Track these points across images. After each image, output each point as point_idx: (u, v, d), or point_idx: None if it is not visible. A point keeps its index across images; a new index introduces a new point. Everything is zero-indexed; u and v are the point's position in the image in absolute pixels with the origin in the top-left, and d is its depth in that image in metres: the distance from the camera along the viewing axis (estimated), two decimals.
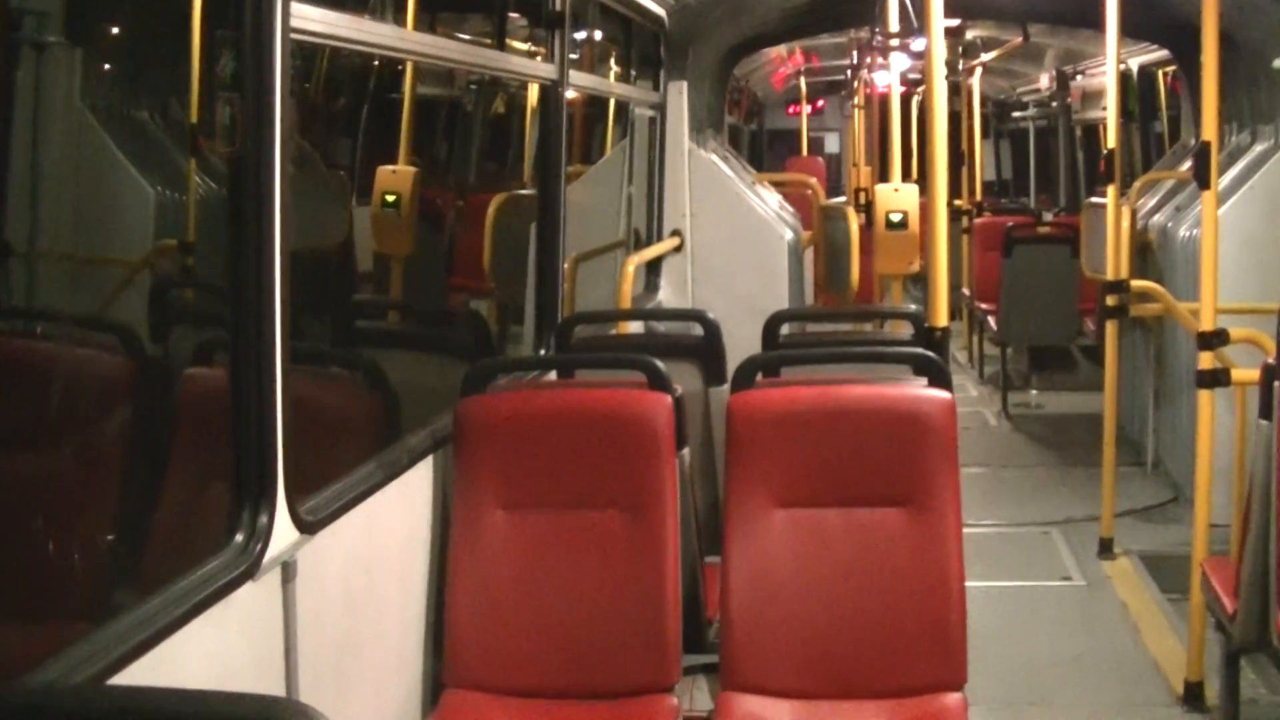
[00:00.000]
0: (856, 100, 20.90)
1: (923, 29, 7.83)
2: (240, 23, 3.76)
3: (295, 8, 3.89)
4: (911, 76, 17.11)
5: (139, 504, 4.75)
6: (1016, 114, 23.63)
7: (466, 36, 10.01)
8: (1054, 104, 19.73)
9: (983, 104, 20.65)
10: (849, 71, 20.96)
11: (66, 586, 4.44)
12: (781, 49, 18.39)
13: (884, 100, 14.72)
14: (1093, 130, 17.77)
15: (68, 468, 4.67)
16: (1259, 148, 9.96)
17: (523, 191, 11.24)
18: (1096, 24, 9.23)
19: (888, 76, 12.66)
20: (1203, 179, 6.76)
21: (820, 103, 28.91)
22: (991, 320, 14.20)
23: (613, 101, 12.72)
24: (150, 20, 7.11)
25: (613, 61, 10.72)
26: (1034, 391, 14.42)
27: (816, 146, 29.90)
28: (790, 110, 28.09)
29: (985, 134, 22.17)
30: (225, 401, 3.94)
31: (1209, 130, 6.69)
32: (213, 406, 4.54)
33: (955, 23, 13.87)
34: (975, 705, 5.06)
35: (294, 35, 3.91)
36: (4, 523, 4.43)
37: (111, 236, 6.33)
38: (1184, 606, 7.32)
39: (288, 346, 3.89)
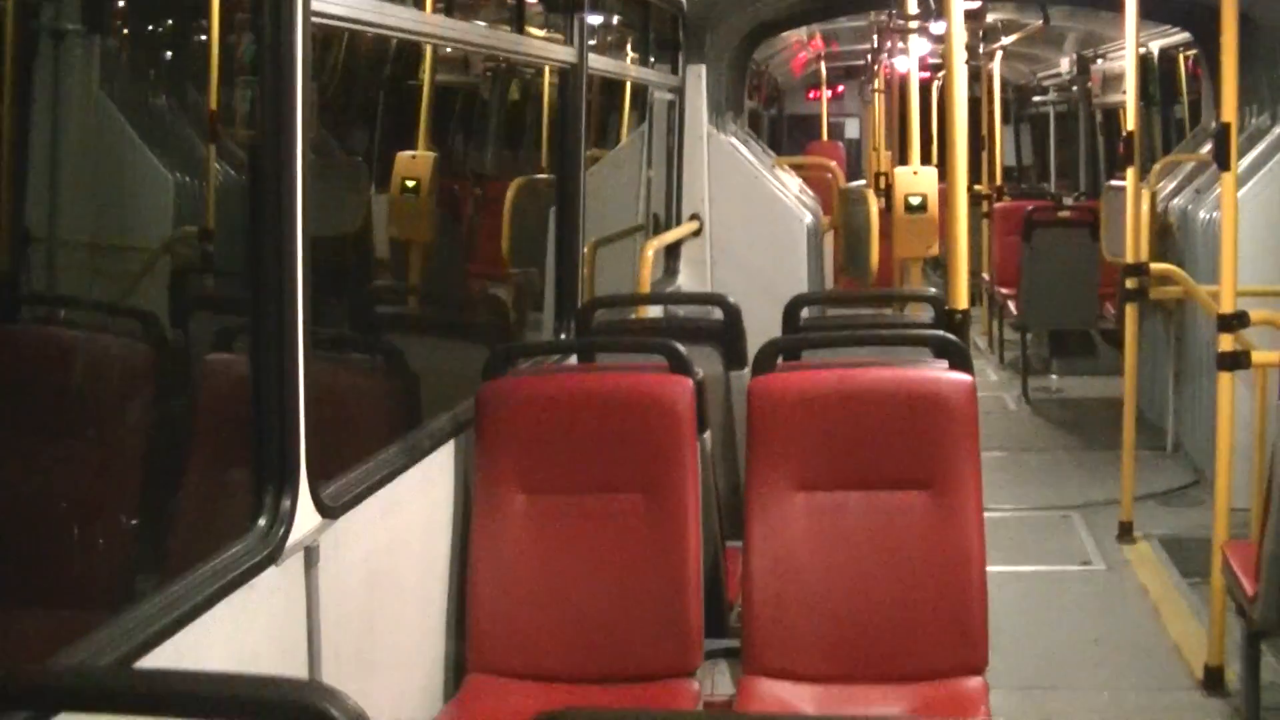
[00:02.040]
0: (877, 85, 20.84)
1: (942, 12, 7.81)
2: (260, 6, 3.76)
3: None
4: (932, 61, 17.07)
5: (161, 489, 4.76)
6: (1037, 99, 23.56)
7: (482, 23, 10.01)
8: (1074, 88, 19.67)
9: (1003, 89, 20.57)
10: (869, 56, 20.90)
11: (89, 571, 4.46)
12: (801, 33, 18.34)
13: (904, 84, 14.66)
14: (1113, 115, 17.70)
15: (90, 453, 4.69)
16: (1279, 130, 9.93)
17: (539, 176, 11.24)
18: (1116, 6, 9.19)
19: (908, 61, 12.63)
20: (1223, 161, 6.73)
21: (840, 88, 28.87)
22: (1011, 305, 14.19)
23: (628, 85, 12.71)
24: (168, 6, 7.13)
25: (629, 44, 10.70)
26: (1054, 376, 14.40)
27: (836, 132, 29.83)
28: (810, 95, 28.02)
29: (1005, 119, 22.09)
30: (246, 387, 3.95)
31: (1229, 112, 6.66)
32: (234, 392, 4.55)
33: (975, 5, 13.83)
34: (994, 689, 5.05)
35: (315, 19, 3.91)
36: (26, 508, 4.45)
37: (131, 223, 6.35)
38: (1204, 590, 7.32)
39: (309, 331, 3.89)
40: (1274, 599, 5.76)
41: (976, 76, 18.70)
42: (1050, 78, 21.47)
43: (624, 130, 13.77)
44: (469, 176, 13.68)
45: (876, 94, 20.86)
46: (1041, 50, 19.53)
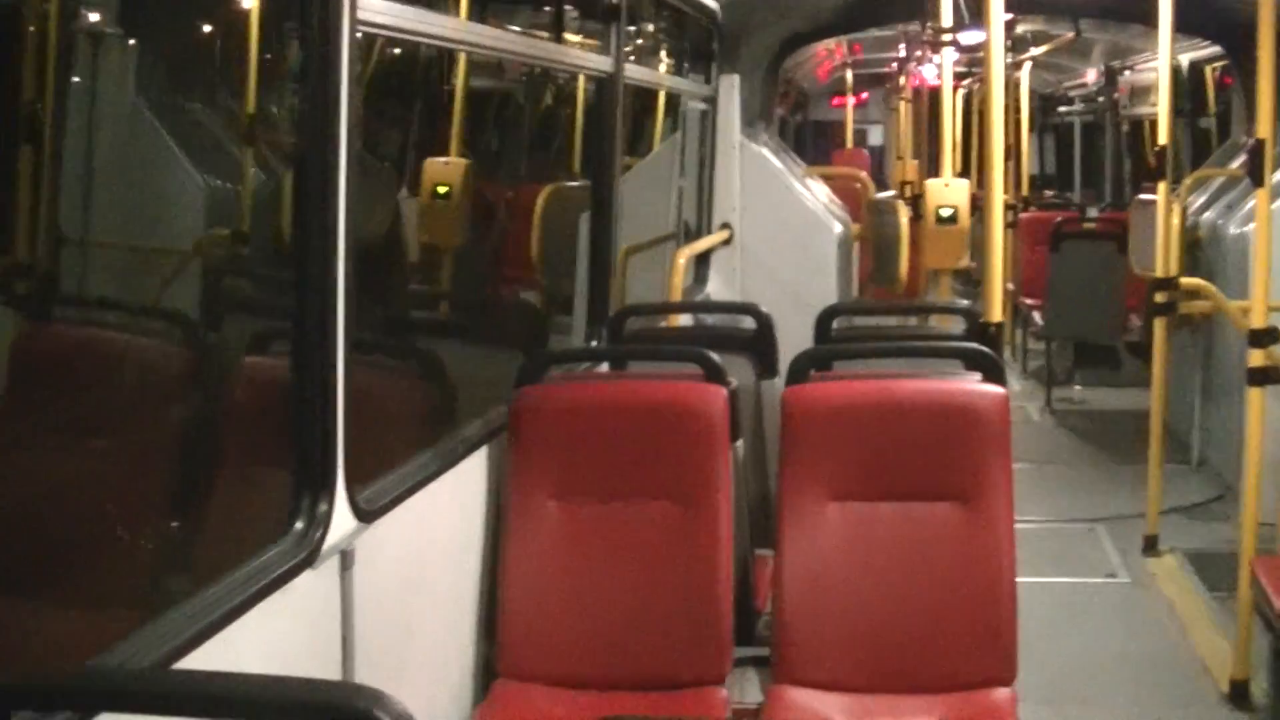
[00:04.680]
0: (904, 93, 20.79)
1: (975, 22, 7.81)
2: (307, 14, 3.78)
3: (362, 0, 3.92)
4: (958, 70, 17.01)
5: (197, 491, 4.79)
6: (1062, 109, 23.49)
7: (516, 28, 10.04)
8: (1101, 99, 19.62)
9: (1029, 98, 20.51)
10: (896, 64, 20.86)
11: (125, 573, 4.48)
12: (828, 41, 18.33)
13: (932, 93, 14.60)
14: (1139, 127, 17.66)
15: (127, 454, 4.71)
16: None
17: (569, 184, 11.27)
18: (1148, 19, 9.17)
19: (937, 70, 12.61)
20: (1256, 176, 6.73)
21: (864, 95, 28.80)
22: (1037, 315, 14.15)
23: (662, 94, 12.72)
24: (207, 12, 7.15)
25: (664, 54, 10.72)
26: (1077, 387, 14.34)
27: (860, 139, 29.78)
28: (834, 102, 27.94)
29: (1030, 128, 22.02)
30: (283, 390, 3.97)
31: (1264, 128, 6.65)
32: (270, 395, 4.57)
33: (1008, 17, 13.79)
34: (1022, 701, 5.05)
35: (360, 27, 3.93)
36: (65, 509, 4.47)
37: (166, 227, 6.38)
38: (1230, 604, 7.30)
39: (351, 335, 3.91)
40: None
41: (1005, 86, 18.63)
42: (1076, 88, 21.41)
43: (657, 134, 13.78)
44: (502, 181, 13.70)
45: (903, 102, 20.82)
46: (1068, 61, 19.46)
